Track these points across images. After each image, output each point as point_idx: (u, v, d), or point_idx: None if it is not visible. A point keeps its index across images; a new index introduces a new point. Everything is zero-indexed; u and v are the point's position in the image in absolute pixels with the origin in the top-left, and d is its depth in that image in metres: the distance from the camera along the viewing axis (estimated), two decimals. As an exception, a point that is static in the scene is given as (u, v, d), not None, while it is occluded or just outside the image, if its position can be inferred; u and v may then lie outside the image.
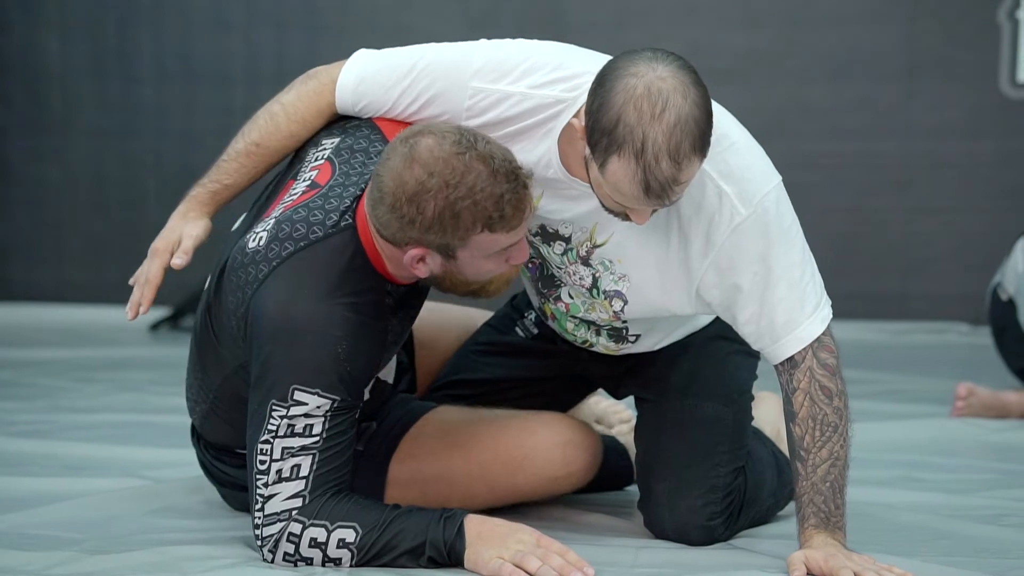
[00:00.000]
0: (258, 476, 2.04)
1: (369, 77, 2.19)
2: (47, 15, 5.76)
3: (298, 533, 2.02)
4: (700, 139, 1.92)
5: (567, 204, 2.11)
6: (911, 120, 5.26)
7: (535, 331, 2.46)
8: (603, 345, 2.32)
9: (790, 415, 2.06)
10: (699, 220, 2.06)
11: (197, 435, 2.37)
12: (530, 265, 2.26)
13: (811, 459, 2.04)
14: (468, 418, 2.35)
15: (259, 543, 2.05)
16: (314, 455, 2.04)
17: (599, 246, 2.14)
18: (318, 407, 2.03)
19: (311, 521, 2.02)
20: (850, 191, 5.39)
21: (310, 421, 2.04)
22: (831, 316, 2.09)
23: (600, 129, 1.92)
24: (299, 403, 2.03)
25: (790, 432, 2.06)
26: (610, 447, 2.48)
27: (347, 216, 2.10)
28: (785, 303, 2.06)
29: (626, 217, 2.01)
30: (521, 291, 2.51)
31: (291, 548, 2.02)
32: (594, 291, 2.18)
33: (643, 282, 2.14)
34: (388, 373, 2.35)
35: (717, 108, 2.12)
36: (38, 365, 4.50)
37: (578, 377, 2.45)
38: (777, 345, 2.07)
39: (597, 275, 2.17)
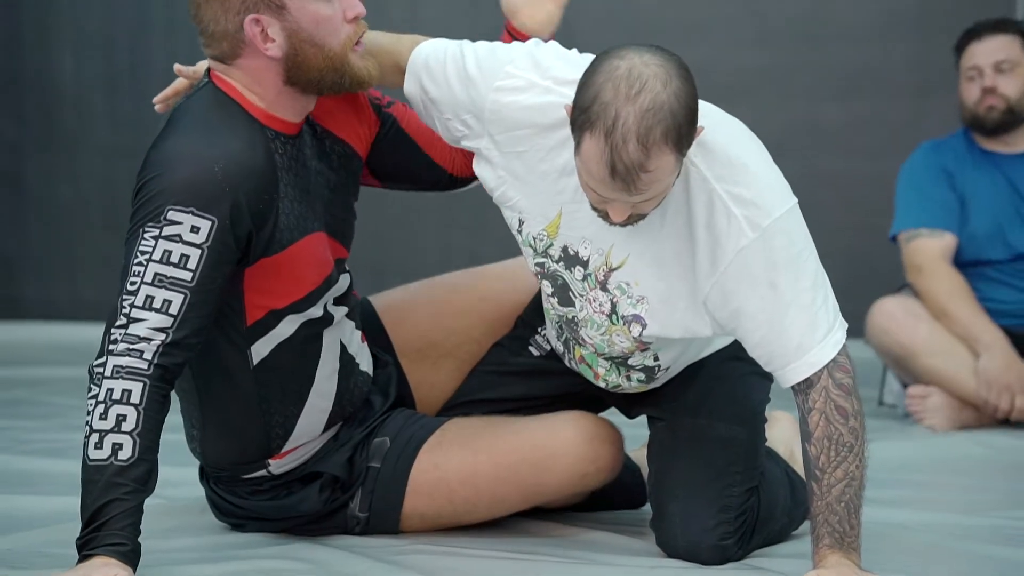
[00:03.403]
0: (125, 296, 2.00)
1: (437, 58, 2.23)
2: (61, 34, 5.78)
3: (129, 389, 1.98)
4: (675, 131, 1.90)
5: (586, 218, 2.11)
6: (922, 138, 5.26)
7: (548, 347, 2.46)
8: (636, 386, 2.31)
9: (806, 435, 2.06)
10: (707, 241, 2.06)
11: (205, 474, 2.38)
12: (549, 287, 2.25)
13: (826, 479, 2.03)
14: (488, 424, 2.36)
15: (104, 358, 1.99)
16: (186, 295, 2.01)
17: (615, 269, 2.15)
18: (194, 229, 2.01)
19: (147, 387, 1.98)
20: (861, 209, 5.38)
21: (186, 251, 2.01)
22: (844, 340, 2.08)
23: (579, 107, 1.94)
24: (172, 222, 2.01)
25: (806, 452, 2.06)
26: (623, 465, 2.49)
27: (204, 79, 2.18)
28: (796, 328, 2.05)
29: (607, 216, 2.01)
30: (527, 309, 2.50)
31: (110, 390, 1.98)
32: (613, 316, 2.18)
33: (661, 304, 2.14)
34: (364, 360, 2.33)
35: (734, 123, 2.12)
36: (52, 383, 4.51)
37: (591, 396, 2.45)
38: (788, 369, 2.06)
39: (615, 300, 2.17)
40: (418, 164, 2.39)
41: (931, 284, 3.65)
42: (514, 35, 2.37)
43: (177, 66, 2.33)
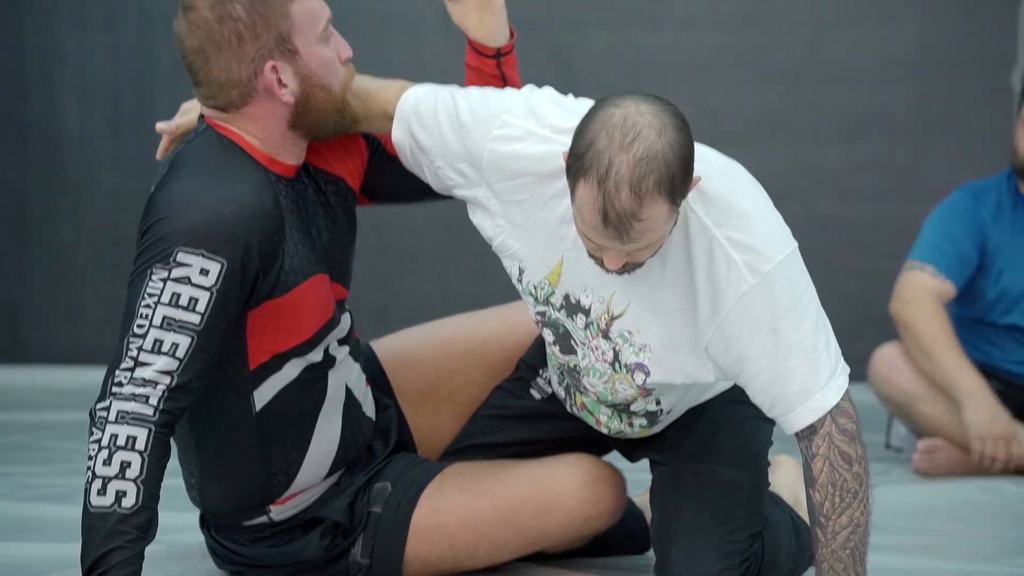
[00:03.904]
0: (132, 339, 1.99)
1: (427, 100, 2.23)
2: (66, 79, 5.80)
3: (134, 435, 1.97)
4: (668, 180, 1.90)
5: (588, 267, 2.11)
6: (924, 182, 5.26)
7: (550, 390, 2.45)
8: (638, 432, 2.30)
9: (809, 481, 2.05)
10: (708, 287, 2.05)
11: (205, 522, 2.37)
12: (551, 335, 2.25)
13: (831, 526, 2.02)
14: (490, 468, 2.35)
15: (107, 401, 1.98)
16: (193, 338, 2.00)
17: (617, 317, 2.14)
18: (204, 272, 2.00)
19: (151, 434, 1.97)
20: (864, 253, 5.38)
21: (195, 294, 2.00)
22: (847, 385, 2.08)
23: (574, 154, 1.94)
24: (182, 264, 2.00)
25: (810, 498, 2.05)
26: (626, 510, 2.47)
27: (200, 124, 2.18)
28: (798, 373, 2.04)
29: (602, 264, 2.01)
30: (529, 351, 2.50)
31: (114, 435, 1.97)
32: (616, 365, 2.17)
33: (663, 351, 2.13)
34: (368, 404, 2.33)
35: (734, 168, 2.12)
36: (54, 428, 4.50)
37: (593, 439, 2.44)
38: (790, 415, 2.06)
39: (618, 348, 2.16)
40: (411, 182, 2.38)
41: (918, 321, 3.57)
42: (475, 48, 2.38)
43: (159, 125, 2.33)
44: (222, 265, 2.02)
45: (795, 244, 2.09)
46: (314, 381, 2.23)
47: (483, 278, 5.32)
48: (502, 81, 2.31)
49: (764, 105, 5.43)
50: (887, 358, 3.70)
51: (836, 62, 5.37)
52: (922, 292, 3.60)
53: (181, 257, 2.01)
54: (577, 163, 1.93)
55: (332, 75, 2.16)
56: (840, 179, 5.43)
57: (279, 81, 2.11)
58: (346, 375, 2.29)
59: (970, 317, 3.72)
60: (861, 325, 5.14)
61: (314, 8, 2.13)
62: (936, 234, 3.69)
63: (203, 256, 2.01)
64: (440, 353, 2.50)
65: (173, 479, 3.59)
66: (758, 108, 5.44)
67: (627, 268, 2.01)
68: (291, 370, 2.20)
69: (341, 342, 2.27)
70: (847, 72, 5.38)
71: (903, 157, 5.39)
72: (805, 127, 5.44)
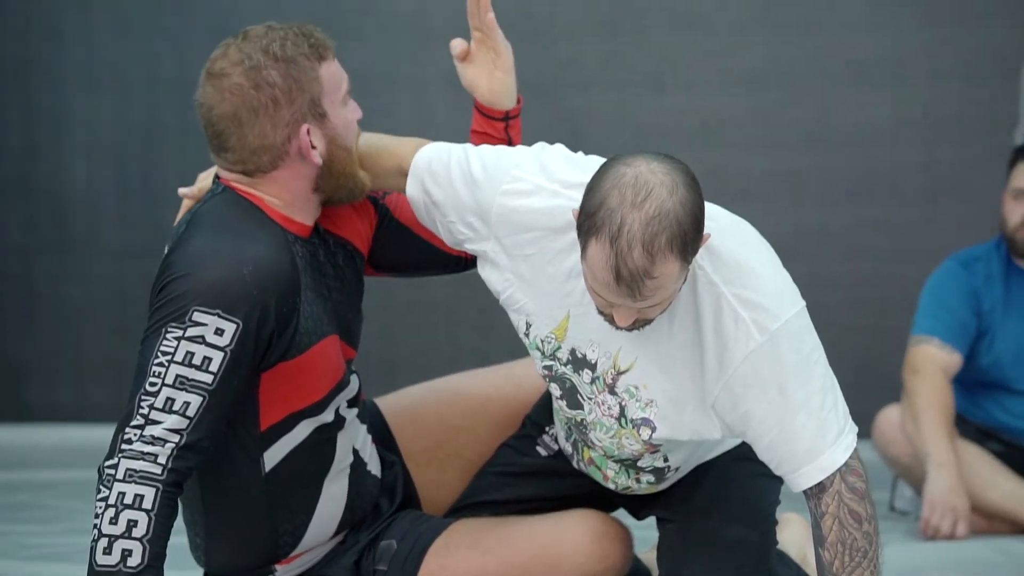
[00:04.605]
0: (144, 396, 1.98)
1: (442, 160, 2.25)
2: (74, 139, 5.84)
3: (141, 494, 1.96)
4: (680, 238, 1.91)
5: (594, 322, 2.11)
6: (931, 241, 5.27)
7: (556, 447, 2.44)
8: (645, 488, 2.29)
9: (819, 539, 2.03)
10: (715, 344, 2.05)
11: None
12: (557, 390, 2.24)
13: (840, 584, 2.01)
14: (496, 524, 2.34)
15: (115, 459, 1.98)
16: (204, 398, 1.99)
17: (624, 372, 2.13)
18: (219, 332, 1.99)
19: (160, 494, 1.97)
20: (869, 312, 5.38)
21: (209, 353, 1.99)
22: (856, 444, 2.07)
23: (585, 212, 1.94)
24: (197, 324, 1.99)
25: (819, 557, 2.03)
26: (632, 567, 2.46)
27: (216, 186, 2.19)
28: (805, 432, 2.03)
29: (612, 320, 2.00)
30: (535, 408, 2.49)
31: (122, 494, 1.96)
32: (622, 420, 2.17)
33: (670, 407, 2.12)
34: (375, 464, 2.31)
35: (743, 227, 2.12)
36: (56, 487, 4.48)
37: (600, 497, 2.43)
38: (798, 474, 2.05)
39: (624, 403, 2.15)
40: (419, 252, 2.39)
41: (919, 387, 3.63)
42: (482, 111, 2.39)
43: (181, 190, 2.33)
44: (238, 326, 2.01)
45: (803, 303, 2.09)
46: (323, 443, 2.22)
47: (489, 333, 5.32)
48: (509, 146, 2.32)
49: (771, 166, 5.46)
50: (892, 420, 3.72)
51: (843, 124, 5.40)
52: (932, 365, 3.65)
53: (197, 316, 2.00)
54: (588, 221, 1.93)
55: (352, 136, 2.20)
56: (847, 239, 5.44)
57: (309, 139, 2.13)
58: (353, 436, 2.28)
59: (967, 380, 3.74)
60: (867, 383, 5.13)
61: (336, 72, 2.17)
62: (934, 306, 3.74)
63: (219, 316, 2.00)
64: (446, 410, 2.50)
65: (178, 537, 3.58)
66: (765, 169, 5.46)
67: (637, 325, 2.01)
68: (302, 431, 2.20)
69: (350, 403, 2.26)
70: (853, 133, 5.40)
71: (909, 217, 5.40)
72: (812, 187, 5.45)
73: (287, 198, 2.16)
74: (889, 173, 5.40)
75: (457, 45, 2.37)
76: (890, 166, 5.40)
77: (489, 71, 2.34)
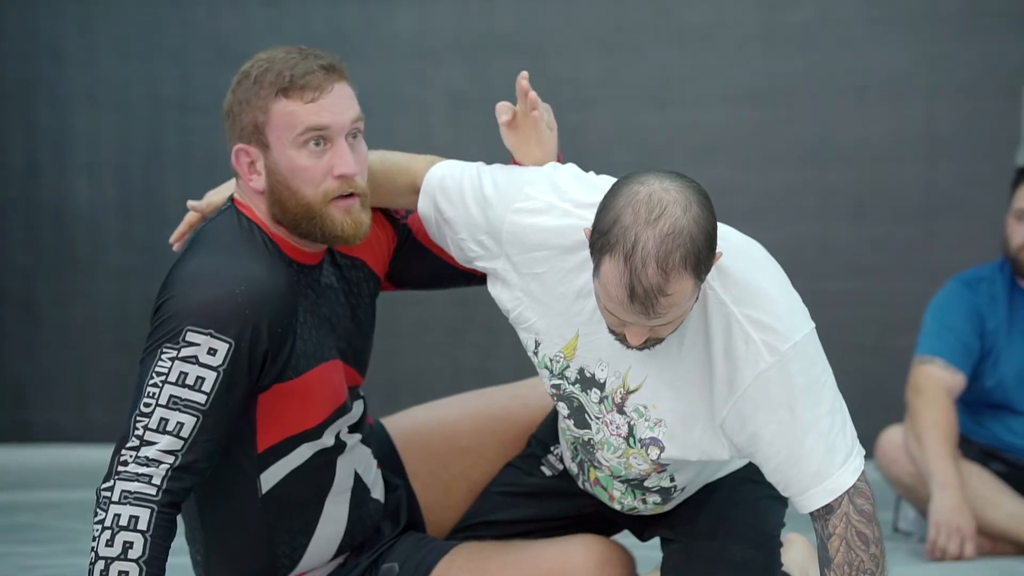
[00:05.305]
0: (139, 418, 2.00)
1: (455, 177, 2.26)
2: (76, 159, 5.84)
3: (136, 515, 1.97)
4: (694, 256, 1.91)
5: (603, 341, 2.11)
6: (931, 259, 5.27)
7: (560, 467, 2.44)
8: (651, 508, 2.29)
9: (825, 561, 2.03)
10: (725, 365, 2.05)
11: None
12: (565, 409, 2.24)
13: (846, 605, 2.00)
14: (499, 549, 2.33)
15: (111, 482, 1.98)
16: (198, 418, 2.00)
17: (633, 392, 2.13)
18: (211, 352, 2.00)
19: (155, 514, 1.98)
20: (871, 330, 5.38)
21: (202, 373, 2.00)
22: (863, 466, 2.07)
23: (598, 230, 1.94)
24: (190, 344, 2.00)
25: (824, 578, 2.03)
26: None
27: (226, 203, 2.21)
28: (814, 454, 2.03)
29: (624, 339, 2.00)
30: (540, 428, 2.49)
31: (117, 515, 1.96)
32: (630, 439, 2.16)
33: (678, 427, 2.12)
34: (378, 489, 2.31)
35: (753, 247, 2.12)
36: (58, 507, 4.48)
37: (604, 517, 2.43)
38: (806, 495, 2.05)
39: (632, 423, 2.15)
40: (437, 270, 2.39)
41: (923, 408, 3.61)
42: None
43: (190, 202, 2.34)
44: (230, 345, 2.02)
45: (813, 324, 2.08)
46: (322, 467, 2.22)
47: (492, 353, 5.31)
48: None
49: (771, 183, 5.46)
50: (895, 440, 3.71)
51: (843, 142, 5.40)
52: (936, 386, 3.64)
53: (190, 336, 2.01)
54: (602, 239, 1.93)
55: (304, 182, 2.13)
56: (848, 256, 5.44)
57: (252, 166, 2.15)
58: (355, 461, 2.28)
59: (971, 401, 3.74)
60: (869, 402, 5.12)
61: (295, 113, 2.11)
62: (937, 326, 3.73)
63: (212, 336, 2.01)
64: (451, 431, 2.49)
65: (180, 557, 3.58)
66: (765, 186, 5.46)
67: (648, 344, 2.01)
68: (301, 454, 2.19)
69: (352, 429, 2.26)
70: (854, 151, 5.40)
71: (910, 235, 5.40)
72: (812, 205, 5.45)
73: (264, 219, 2.17)
74: (889, 191, 5.40)
75: (504, 112, 2.29)
76: (890, 184, 5.40)
77: (530, 146, 2.30)
